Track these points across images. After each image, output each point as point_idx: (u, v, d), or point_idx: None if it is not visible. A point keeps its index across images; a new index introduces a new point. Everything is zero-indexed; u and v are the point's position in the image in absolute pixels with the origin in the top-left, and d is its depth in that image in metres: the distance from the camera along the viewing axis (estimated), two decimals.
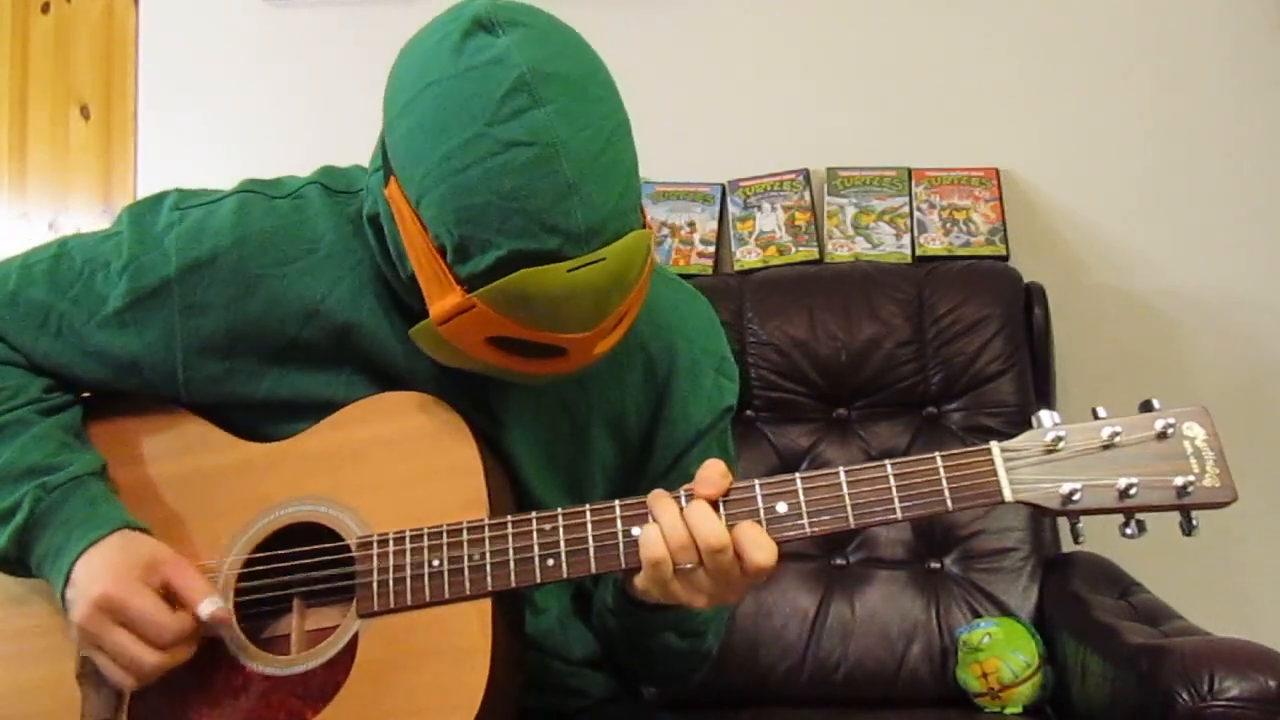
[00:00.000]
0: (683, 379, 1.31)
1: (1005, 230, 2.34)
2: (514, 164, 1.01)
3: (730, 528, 1.08)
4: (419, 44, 1.10)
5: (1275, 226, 2.36)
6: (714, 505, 1.10)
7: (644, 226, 1.10)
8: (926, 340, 2.16)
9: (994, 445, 1.10)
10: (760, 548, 1.07)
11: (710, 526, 1.08)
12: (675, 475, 1.26)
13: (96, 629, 1.13)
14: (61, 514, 1.17)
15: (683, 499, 1.11)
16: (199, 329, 1.22)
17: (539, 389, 1.24)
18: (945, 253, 2.34)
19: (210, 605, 1.15)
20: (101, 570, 1.14)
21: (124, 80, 2.75)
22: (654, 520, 1.10)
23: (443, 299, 1.08)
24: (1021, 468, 1.09)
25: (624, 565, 1.13)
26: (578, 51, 1.08)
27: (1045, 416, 1.11)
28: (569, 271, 1.03)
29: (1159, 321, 2.38)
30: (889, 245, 2.37)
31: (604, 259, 1.04)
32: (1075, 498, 1.08)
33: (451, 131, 1.03)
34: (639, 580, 1.12)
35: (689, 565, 1.08)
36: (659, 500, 1.11)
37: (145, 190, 2.22)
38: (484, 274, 1.04)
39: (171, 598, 1.15)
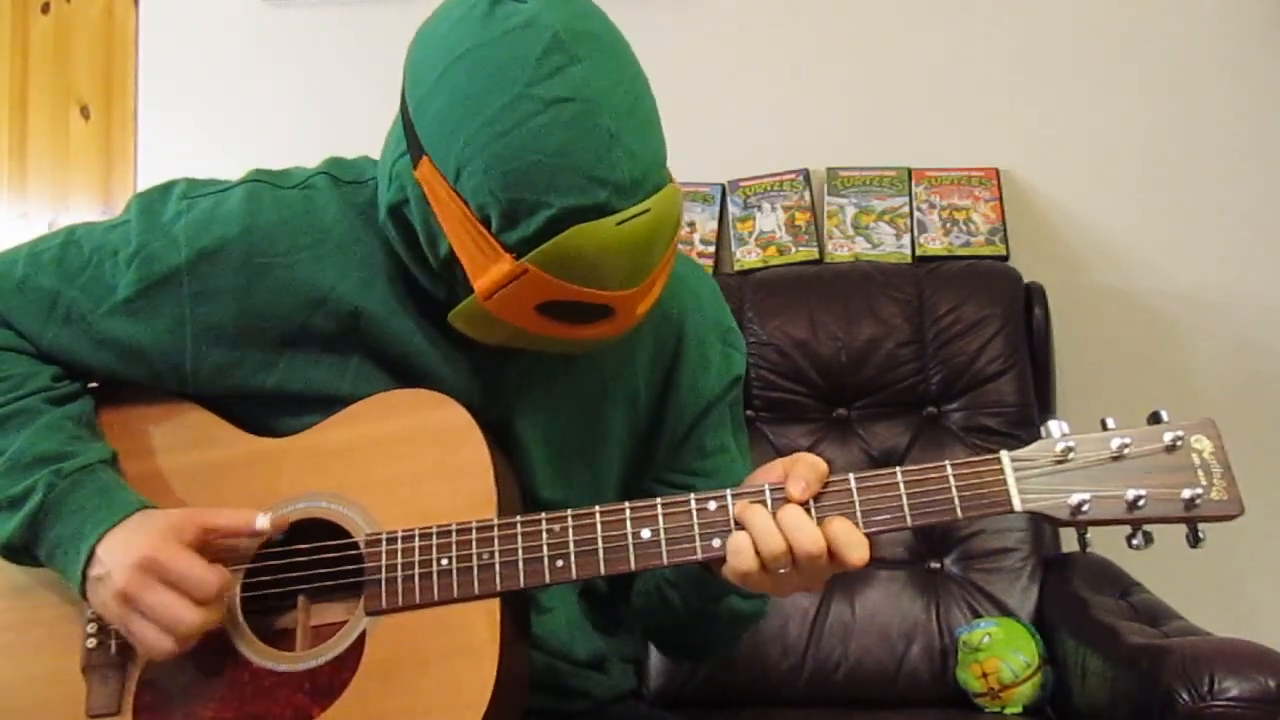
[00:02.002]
0: (691, 350, 1.31)
1: (1005, 230, 2.34)
2: (558, 121, 1.02)
3: (820, 521, 1.09)
4: (440, 22, 1.11)
5: (1275, 226, 2.37)
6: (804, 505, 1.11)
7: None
8: (926, 340, 2.16)
9: (1004, 454, 1.10)
10: (855, 547, 1.08)
11: (806, 533, 1.08)
12: (688, 447, 1.26)
13: (139, 591, 1.12)
14: (75, 500, 1.16)
15: (769, 498, 1.11)
16: (209, 316, 1.22)
17: (553, 375, 1.25)
18: (945, 253, 2.34)
19: (264, 518, 1.16)
20: (133, 540, 1.13)
21: (124, 80, 2.74)
22: (744, 528, 1.10)
23: (489, 271, 1.08)
24: (1031, 477, 1.09)
25: (633, 567, 1.13)
26: (597, 11, 1.11)
27: (1054, 426, 1.10)
28: (617, 225, 1.04)
29: (1159, 321, 2.38)
30: (889, 245, 2.37)
31: (648, 210, 1.05)
32: (1084, 509, 1.08)
33: (490, 97, 1.04)
34: (724, 572, 1.12)
35: (783, 570, 1.09)
36: (748, 510, 1.11)
37: None
38: (534, 236, 1.04)
39: (209, 550, 1.15)
